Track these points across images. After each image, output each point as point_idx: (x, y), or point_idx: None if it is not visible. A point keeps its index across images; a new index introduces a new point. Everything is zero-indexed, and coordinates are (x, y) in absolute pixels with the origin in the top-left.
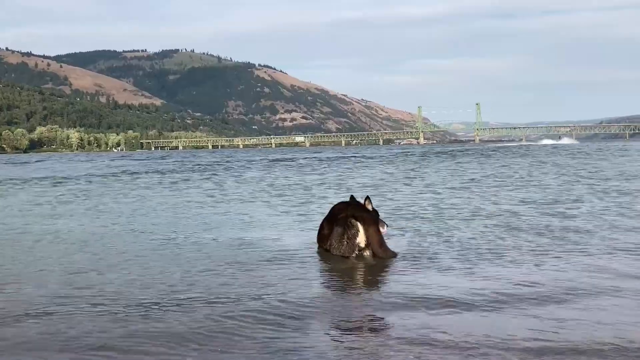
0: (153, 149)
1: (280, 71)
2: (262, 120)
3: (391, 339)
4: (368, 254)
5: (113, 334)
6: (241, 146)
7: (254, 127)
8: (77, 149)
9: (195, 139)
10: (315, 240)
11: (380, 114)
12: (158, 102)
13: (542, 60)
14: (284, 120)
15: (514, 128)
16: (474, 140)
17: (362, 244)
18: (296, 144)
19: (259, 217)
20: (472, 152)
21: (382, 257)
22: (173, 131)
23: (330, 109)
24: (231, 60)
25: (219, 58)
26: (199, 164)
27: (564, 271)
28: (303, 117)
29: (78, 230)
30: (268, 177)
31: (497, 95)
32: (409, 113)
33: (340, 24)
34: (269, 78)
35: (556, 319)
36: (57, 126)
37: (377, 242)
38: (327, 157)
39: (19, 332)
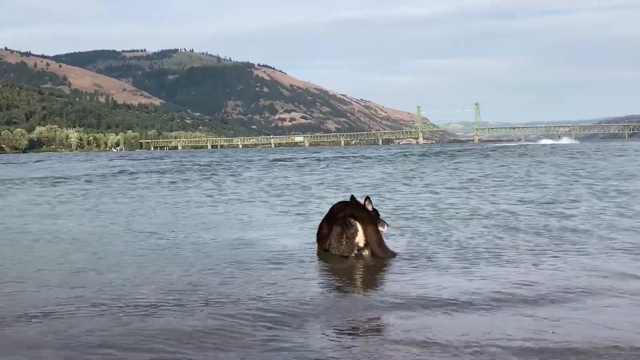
0: (152, 148)
1: (280, 71)
2: (262, 120)
3: (389, 339)
4: (367, 253)
5: (113, 332)
6: (240, 146)
7: (253, 127)
8: (76, 149)
9: (194, 139)
10: (315, 240)
11: (380, 114)
12: (157, 102)
13: (542, 60)
14: (283, 120)
15: (513, 128)
16: (473, 140)
17: (361, 244)
18: (295, 144)
19: (257, 217)
20: (471, 152)
21: (381, 257)
22: (172, 131)
23: (330, 109)
24: (230, 60)
25: (218, 58)
26: (198, 164)
27: (562, 271)
28: (302, 117)
29: (77, 230)
30: (267, 177)
31: (497, 95)
32: (408, 113)
33: (340, 24)
34: (268, 78)
35: (554, 319)
36: (57, 126)
37: (375, 242)
38: (326, 157)
39: (19, 331)
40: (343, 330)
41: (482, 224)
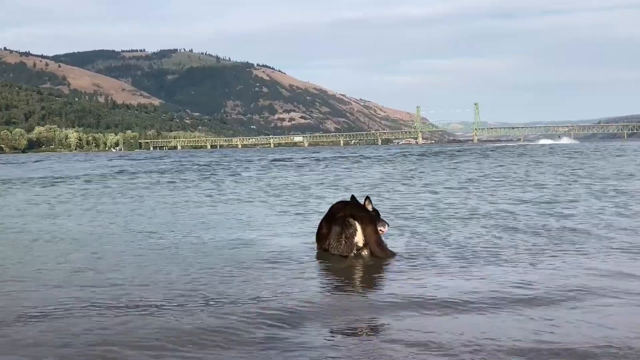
0: (152, 148)
1: (279, 71)
2: (261, 120)
3: (388, 338)
4: (366, 253)
5: (113, 331)
6: (240, 146)
7: (252, 127)
8: (75, 149)
9: (193, 139)
10: (314, 239)
11: (379, 114)
12: (156, 102)
13: (542, 60)
14: (283, 120)
15: (512, 128)
16: (472, 140)
17: (360, 244)
18: (295, 144)
19: (256, 216)
20: (470, 152)
21: (380, 257)
22: (171, 131)
23: (329, 109)
24: (230, 60)
25: (217, 58)
26: (197, 164)
27: (561, 271)
28: (302, 117)
29: (76, 230)
30: (266, 177)
31: (497, 95)
32: (408, 113)
33: (340, 23)
34: (268, 78)
35: (553, 319)
36: (56, 126)
37: (374, 242)
38: (325, 157)
39: (19, 331)
40: (342, 330)
41: (480, 223)
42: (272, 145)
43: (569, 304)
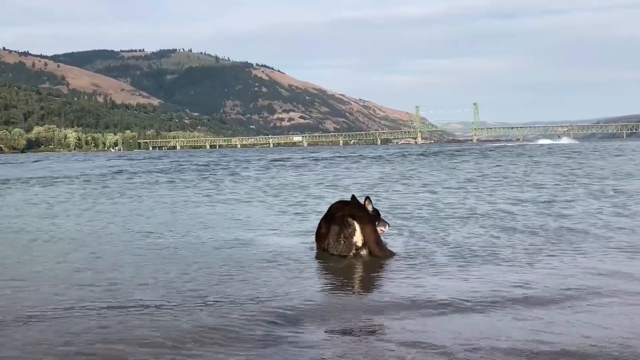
0: (151, 148)
1: (278, 71)
2: (260, 120)
3: (387, 339)
4: (365, 253)
5: (113, 329)
6: (239, 146)
7: (251, 126)
8: (74, 149)
9: (193, 139)
10: (313, 239)
11: (378, 114)
12: (156, 101)
13: (542, 60)
14: (282, 120)
15: (512, 128)
16: (471, 140)
17: (359, 243)
18: (294, 144)
19: (255, 216)
20: (470, 151)
21: (379, 256)
22: (171, 131)
23: (328, 109)
24: (229, 60)
25: (216, 58)
26: (196, 164)
27: (559, 271)
28: (301, 117)
29: (75, 230)
30: (265, 177)
31: (497, 95)
32: (407, 113)
33: (340, 23)
34: (267, 78)
35: (551, 320)
36: (55, 126)
37: (373, 241)
38: (324, 157)
39: (19, 330)
40: (340, 330)
41: (479, 223)
42: (271, 145)
43: (567, 304)
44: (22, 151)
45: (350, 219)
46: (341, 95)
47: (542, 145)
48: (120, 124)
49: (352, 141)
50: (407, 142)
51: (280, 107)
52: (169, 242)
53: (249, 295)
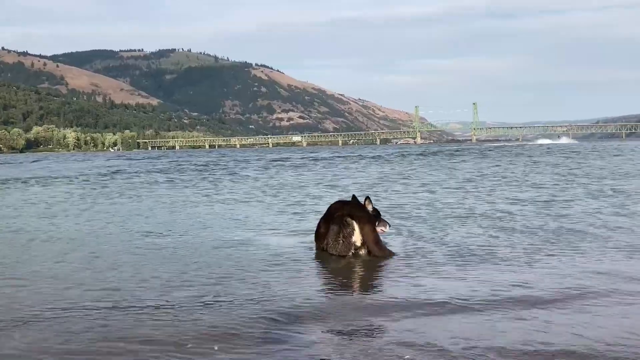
0: (150, 148)
1: (277, 71)
2: (259, 119)
3: (385, 340)
4: (364, 252)
5: (113, 327)
6: (238, 146)
7: (251, 126)
8: (73, 149)
9: (192, 139)
10: (312, 239)
11: (377, 114)
12: (155, 101)
13: (541, 60)
14: (281, 120)
15: (511, 128)
16: (470, 140)
17: (358, 243)
18: (293, 144)
19: (254, 216)
20: (469, 151)
21: (378, 256)
22: (170, 131)
23: (328, 109)
24: (228, 60)
25: (215, 57)
26: (195, 164)
27: (558, 271)
28: (300, 117)
29: (74, 230)
30: (264, 177)
31: (497, 95)
32: (406, 113)
33: (340, 23)
34: (266, 78)
35: (549, 320)
36: (54, 126)
37: (372, 241)
38: (324, 157)
39: (19, 329)
40: (339, 330)
41: (478, 223)
42: (270, 145)
43: (566, 304)
44: (21, 151)
45: (349, 219)
46: (340, 95)
47: (541, 145)
48: (119, 124)
49: (351, 141)
50: (406, 142)
51: (280, 107)
52: (168, 241)
53: (248, 295)
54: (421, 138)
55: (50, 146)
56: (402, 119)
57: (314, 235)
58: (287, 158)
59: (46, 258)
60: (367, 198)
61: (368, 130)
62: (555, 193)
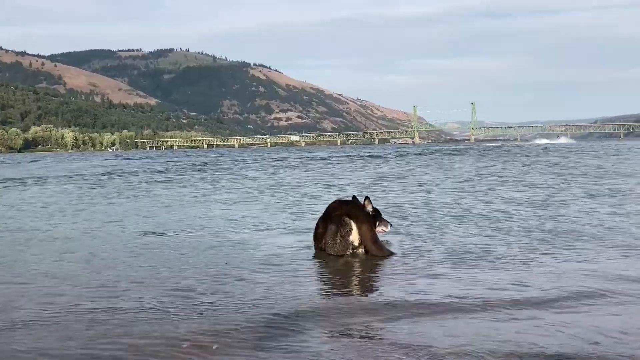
0: (148, 148)
1: (276, 70)
2: (258, 119)
3: (382, 341)
4: (361, 252)
5: (112, 328)
6: (236, 146)
7: (249, 126)
8: (71, 149)
9: (190, 139)
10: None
11: (376, 114)
12: (153, 101)
13: (541, 60)
14: (280, 119)
15: (509, 127)
16: (469, 140)
17: (356, 242)
18: (291, 144)
19: (251, 216)
20: (467, 151)
21: (377, 256)
22: (168, 131)
23: (326, 109)
24: (226, 60)
25: (214, 57)
26: (193, 164)
27: (554, 271)
28: (298, 117)
29: (70, 229)
30: (262, 177)
31: (497, 95)
32: (405, 113)
33: (340, 23)
34: (264, 77)
35: (545, 322)
36: (52, 126)
37: (370, 240)
38: (322, 157)
39: (19, 329)
40: (335, 331)
41: (475, 223)
42: (268, 145)
43: (563, 304)
44: (19, 151)
45: (346, 218)
46: (339, 95)
47: (538, 145)
48: (118, 123)
49: (350, 141)
50: (404, 141)
51: (278, 107)
52: (166, 242)
53: (245, 295)
54: (419, 138)
55: (49, 146)
56: (400, 119)
57: (312, 235)
58: (285, 158)
59: (43, 257)
60: (367, 198)
61: (366, 130)
62: (552, 192)
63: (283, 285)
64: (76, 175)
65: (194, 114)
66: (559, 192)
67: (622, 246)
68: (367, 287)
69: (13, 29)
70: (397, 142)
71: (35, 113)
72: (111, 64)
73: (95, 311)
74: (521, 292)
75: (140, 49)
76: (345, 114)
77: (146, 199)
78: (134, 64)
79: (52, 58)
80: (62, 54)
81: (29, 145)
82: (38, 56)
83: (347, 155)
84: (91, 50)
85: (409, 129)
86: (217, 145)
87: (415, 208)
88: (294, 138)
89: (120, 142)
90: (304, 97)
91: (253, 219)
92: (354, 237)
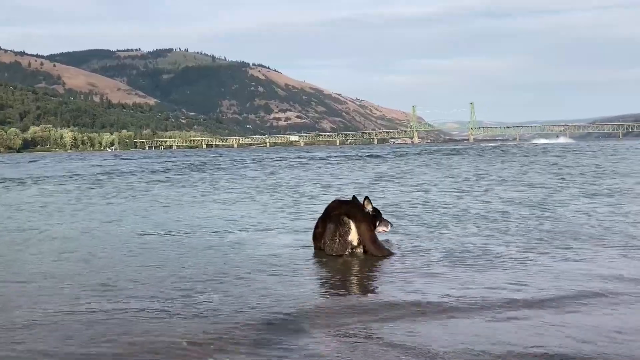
0: (147, 148)
1: (275, 70)
2: (257, 119)
3: (380, 342)
4: (360, 251)
5: (111, 324)
6: (235, 145)
7: (248, 126)
8: (70, 149)
9: (189, 139)
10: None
11: (375, 114)
12: (152, 101)
13: (541, 60)
14: (279, 119)
15: (508, 127)
16: (468, 140)
17: (355, 242)
18: (290, 144)
19: (250, 216)
20: (465, 151)
21: (376, 255)
22: (167, 130)
23: (325, 109)
24: (225, 60)
25: (212, 57)
26: (192, 164)
27: (552, 271)
28: (297, 117)
29: (69, 229)
30: (261, 176)
31: (497, 95)
32: (404, 112)
33: (340, 23)
34: (263, 77)
35: (544, 321)
36: (51, 126)
37: (369, 240)
38: (321, 157)
39: (19, 328)
40: (333, 332)
41: (473, 223)
42: (268, 145)
43: (559, 305)
44: (18, 151)
45: (345, 218)
46: (338, 94)
47: (536, 145)
48: (117, 123)
49: (349, 141)
50: (403, 141)
51: (277, 107)
52: (165, 241)
53: (244, 295)
54: (418, 138)
55: (48, 146)
56: (399, 119)
57: (311, 235)
58: (284, 158)
59: (43, 257)
60: (367, 198)
61: (365, 130)
62: (550, 192)
63: (282, 285)
64: (75, 175)
65: (193, 113)
66: (557, 192)
67: (620, 246)
68: (365, 286)
69: (13, 29)
70: (396, 142)
71: (34, 113)
72: (110, 63)
73: (94, 311)
74: (519, 291)
75: (139, 49)
76: (344, 114)
77: (145, 198)
78: (133, 64)
79: (51, 58)
80: (61, 54)
81: (28, 145)
82: (37, 56)
83: (345, 155)
84: (90, 50)
85: (408, 129)
86: (216, 145)
87: (413, 208)
88: (293, 138)
89: (119, 142)
90: (303, 97)
91: (252, 219)
92: (353, 236)
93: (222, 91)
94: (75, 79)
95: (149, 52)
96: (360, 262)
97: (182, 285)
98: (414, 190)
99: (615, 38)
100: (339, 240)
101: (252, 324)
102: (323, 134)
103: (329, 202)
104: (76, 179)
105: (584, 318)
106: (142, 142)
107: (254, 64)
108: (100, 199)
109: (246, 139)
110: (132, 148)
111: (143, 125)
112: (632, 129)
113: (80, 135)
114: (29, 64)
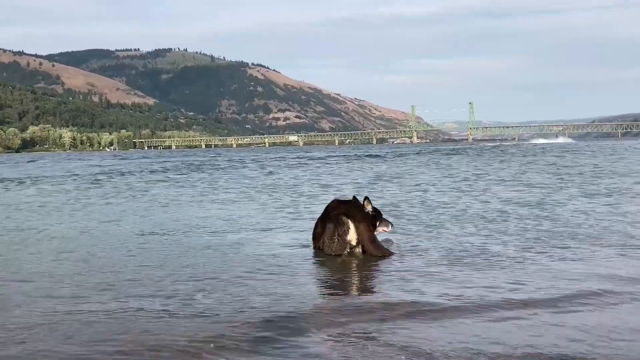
0: (146, 148)
1: (274, 70)
2: (256, 119)
3: (379, 343)
4: (359, 251)
5: (111, 324)
6: (234, 145)
7: (247, 126)
8: (69, 149)
9: (188, 139)
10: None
11: (374, 113)
12: (151, 101)
13: (541, 60)
14: (278, 119)
15: (507, 127)
16: (467, 140)
17: (353, 242)
18: (290, 143)
19: (248, 216)
20: (464, 151)
21: (375, 255)
22: (166, 130)
23: (324, 108)
24: (224, 60)
25: (212, 57)
26: (191, 164)
27: (551, 271)
28: (296, 117)
29: (68, 229)
30: (259, 176)
31: (497, 95)
32: (403, 112)
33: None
34: (262, 77)
35: (542, 321)
36: (50, 126)
37: (368, 239)
38: (319, 157)
39: (18, 328)
40: (332, 331)
41: (472, 222)
42: (266, 145)
43: (557, 304)
44: (17, 151)
45: (344, 217)
46: (337, 94)
47: (535, 144)
48: (116, 123)
49: (348, 140)
50: (402, 141)
51: (276, 107)
52: (164, 241)
53: (242, 295)
54: (417, 137)
55: (46, 146)
56: (398, 119)
57: (310, 234)
58: (283, 158)
59: (42, 257)
60: (366, 198)
61: (364, 130)
62: (548, 192)
63: (281, 285)
64: (74, 175)
65: (192, 113)
66: (555, 192)
67: (618, 245)
68: (364, 286)
69: (13, 29)
70: (395, 142)
71: (33, 113)
72: (109, 63)
73: (94, 311)
74: (517, 291)
75: (138, 49)
76: (343, 114)
77: (144, 198)
78: (132, 64)
79: (50, 58)
80: (60, 54)
81: (27, 145)
82: (36, 56)
83: (344, 155)
84: (89, 50)
85: (407, 129)
86: (215, 145)
87: (412, 207)
88: (292, 138)
89: (118, 142)
90: (302, 97)
91: (250, 219)
92: (352, 236)
93: (221, 91)
94: (74, 78)
95: (148, 52)
96: (359, 262)
97: (181, 285)
98: (412, 190)
99: (615, 38)
100: (338, 239)
101: (252, 323)
102: (322, 133)
103: (328, 202)
104: (75, 179)
105: (581, 317)
106: (141, 142)
107: (253, 64)
108: (99, 199)
109: (245, 139)
110: (131, 148)
111: (142, 125)
112: (631, 128)
113: (79, 135)
114: (28, 64)
